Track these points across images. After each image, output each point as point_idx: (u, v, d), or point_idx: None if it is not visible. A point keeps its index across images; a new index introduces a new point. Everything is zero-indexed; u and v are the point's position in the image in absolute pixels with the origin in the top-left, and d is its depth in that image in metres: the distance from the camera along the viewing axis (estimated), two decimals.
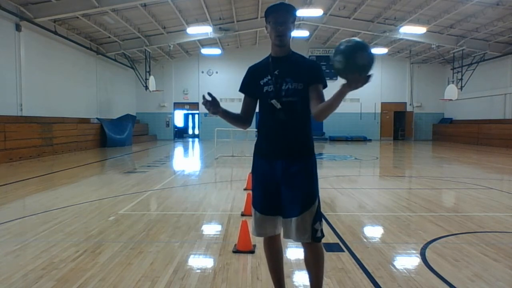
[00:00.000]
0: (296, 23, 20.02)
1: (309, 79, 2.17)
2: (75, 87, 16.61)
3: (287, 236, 2.18)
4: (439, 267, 3.09)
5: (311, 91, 2.17)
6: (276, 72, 2.21)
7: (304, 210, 2.12)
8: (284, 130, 2.16)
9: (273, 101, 2.16)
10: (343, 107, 26.00)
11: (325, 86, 2.22)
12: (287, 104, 2.16)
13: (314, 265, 2.21)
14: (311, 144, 2.24)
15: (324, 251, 2.26)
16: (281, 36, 2.18)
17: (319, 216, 2.18)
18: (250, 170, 9.29)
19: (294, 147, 2.17)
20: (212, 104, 2.11)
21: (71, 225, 4.35)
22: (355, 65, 1.76)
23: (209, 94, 2.11)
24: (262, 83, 2.24)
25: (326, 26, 19.62)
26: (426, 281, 2.82)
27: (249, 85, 2.33)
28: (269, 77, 2.22)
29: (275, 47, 2.25)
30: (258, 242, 3.69)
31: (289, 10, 2.17)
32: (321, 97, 2.16)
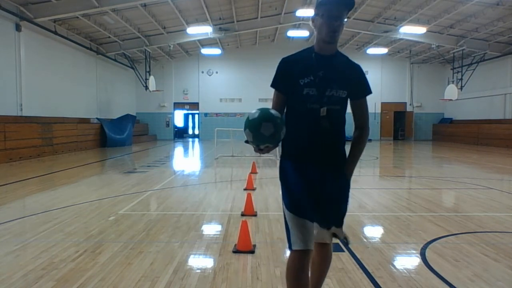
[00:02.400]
0: (296, 23, 19.91)
1: (354, 90, 2.02)
2: (75, 87, 16.61)
3: (319, 239, 2.10)
4: (439, 267, 3.09)
5: (355, 107, 2.08)
6: (320, 74, 1.95)
7: (342, 220, 2.11)
8: (325, 139, 1.98)
9: (322, 109, 1.94)
10: None
11: (369, 93, 2.08)
12: (328, 111, 1.95)
13: (326, 266, 2.20)
14: (345, 151, 2.12)
15: None
16: (334, 33, 1.92)
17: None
18: (250, 170, 9.22)
19: (334, 156, 2.05)
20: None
21: (71, 225, 4.35)
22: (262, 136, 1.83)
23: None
24: (302, 83, 1.96)
25: None
26: (426, 281, 2.82)
27: (284, 82, 2.03)
28: (312, 78, 1.95)
29: (322, 44, 1.98)
30: (258, 242, 3.69)
31: (347, 3, 1.92)
32: (364, 114, 2.09)
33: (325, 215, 2.03)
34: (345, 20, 1.98)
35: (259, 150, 1.92)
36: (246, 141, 1.91)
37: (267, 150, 1.93)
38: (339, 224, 2.09)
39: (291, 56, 2.07)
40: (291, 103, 2.04)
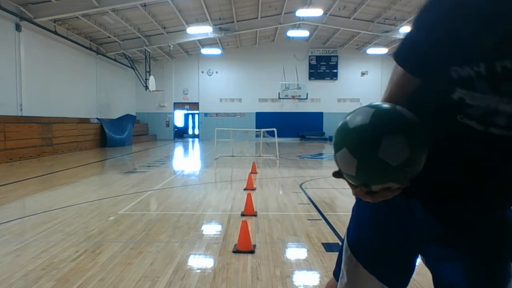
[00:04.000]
0: (296, 23, 19.86)
1: None
2: (75, 87, 16.62)
3: None
4: None
5: None
6: (508, 62, 0.65)
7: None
8: (491, 183, 0.90)
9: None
10: (343, 107, 25.95)
11: None
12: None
13: None
14: None
15: None
16: None
17: None
18: (250, 170, 9.22)
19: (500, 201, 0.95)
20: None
21: (71, 225, 4.34)
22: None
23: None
24: (454, 74, 0.76)
25: (326, 26, 19.61)
26: (426, 281, 2.81)
27: (432, 54, 0.79)
28: (478, 68, 0.70)
29: None
30: (258, 242, 3.69)
31: None
32: None
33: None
34: None
35: (368, 194, 0.86)
36: (338, 173, 0.88)
37: (385, 195, 0.85)
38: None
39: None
40: (422, 98, 0.89)
